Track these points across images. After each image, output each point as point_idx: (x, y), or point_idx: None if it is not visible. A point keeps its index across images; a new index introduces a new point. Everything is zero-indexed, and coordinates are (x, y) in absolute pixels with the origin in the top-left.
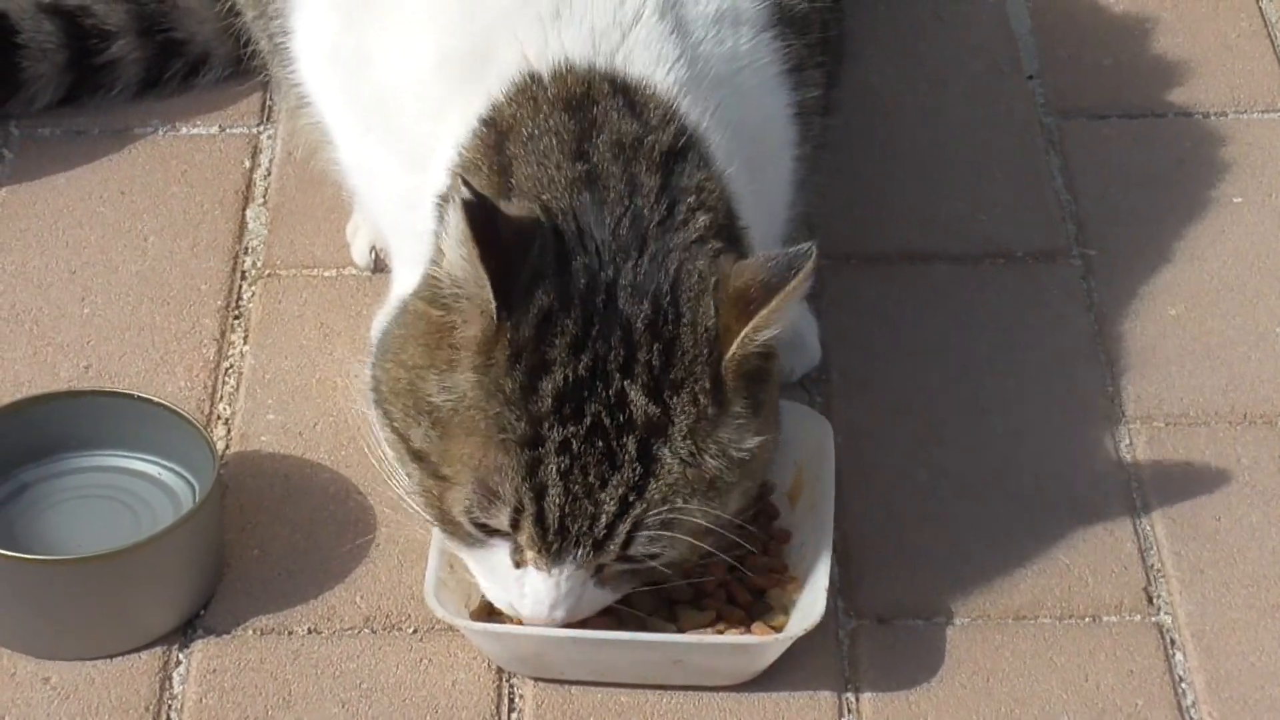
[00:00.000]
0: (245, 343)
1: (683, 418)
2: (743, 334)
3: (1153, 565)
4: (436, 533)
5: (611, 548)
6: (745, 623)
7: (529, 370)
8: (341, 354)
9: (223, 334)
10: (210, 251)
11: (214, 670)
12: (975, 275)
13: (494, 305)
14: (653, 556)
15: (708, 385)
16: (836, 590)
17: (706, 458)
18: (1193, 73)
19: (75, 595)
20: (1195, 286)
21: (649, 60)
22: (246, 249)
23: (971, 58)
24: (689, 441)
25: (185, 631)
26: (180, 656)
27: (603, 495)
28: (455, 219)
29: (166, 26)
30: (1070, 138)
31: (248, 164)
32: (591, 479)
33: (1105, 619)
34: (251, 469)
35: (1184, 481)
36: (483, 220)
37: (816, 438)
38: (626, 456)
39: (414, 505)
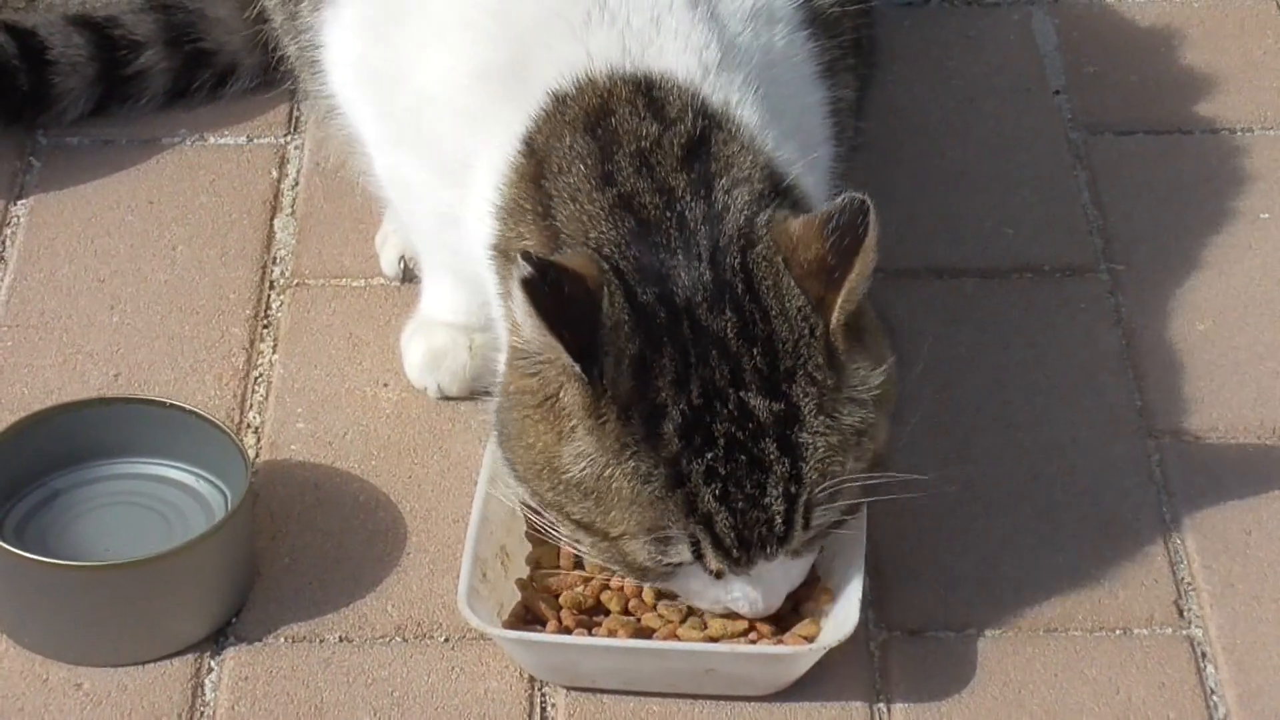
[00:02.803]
0: (274, 352)
1: (807, 399)
2: (839, 302)
3: (1183, 579)
4: (470, 541)
5: (795, 535)
6: (777, 633)
7: (645, 419)
8: (370, 364)
9: (252, 343)
10: (239, 261)
11: (245, 678)
12: (1003, 290)
13: (579, 369)
14: (834, 518)
15: (820, 361)
16: (868, 602)
17: (842, 419)
18: (1219, 89)
19: (107, 602)
20: (1223, 301)
21: (677, 49)
22: (275, 258)
23: (998, 74)
24: (821, 417)
25: (217, 639)
26: (212, 664)
27: (766, 500)
28: (519, 296)
29: (195, 37)
30: (1097, 153)
31: (275, 174)
32: (750, 489)
33: (1136, 632)
34: (281, 477)
35: (1213, 495)
36: (546, 293)
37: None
38: (772, 457)
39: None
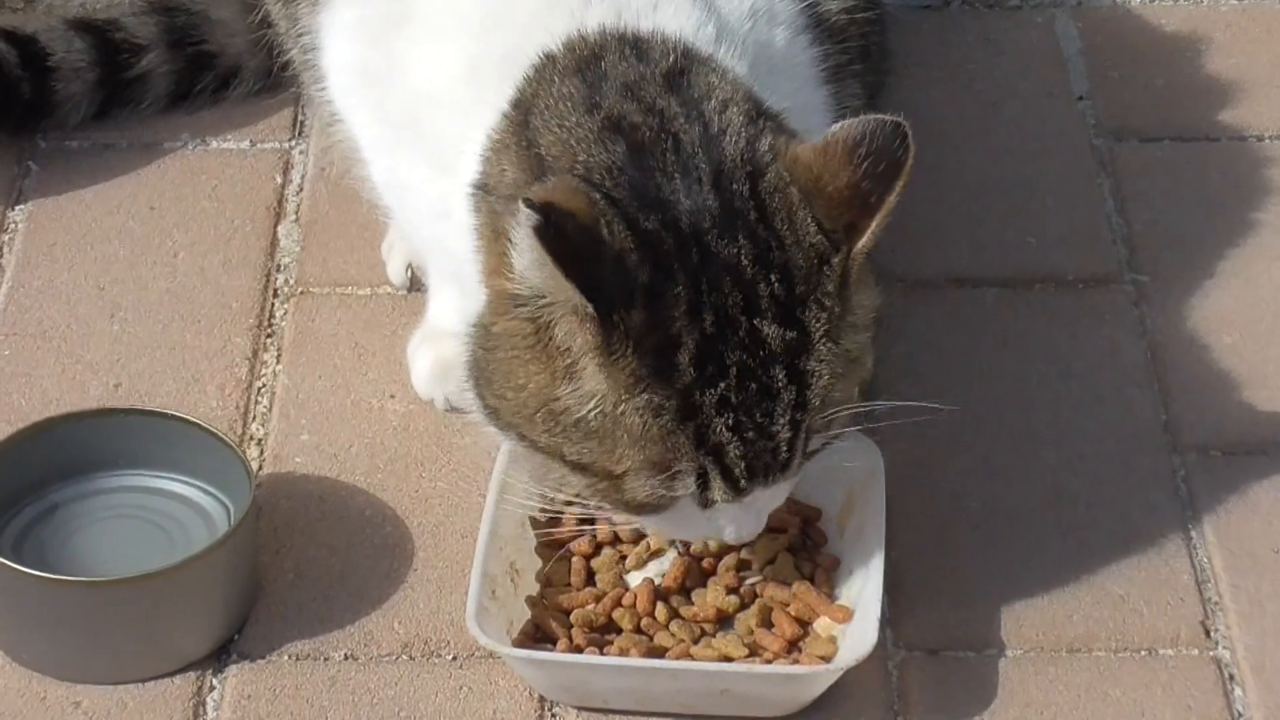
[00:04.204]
0: (278, 362)
1: (818, 325)
2: (873, 226)
3: (1210, 598)
4: (479, 557)
5: (796, 462)
6: (788, 651)
7: (658, 351)
8: (376, 375)
9: (255, 353)
10: (242, 268)
11: (248, 696)
12: (1026, 301)
13: (593, 309)
14: (822, 446)
15: (831, 288)
16: (886, 621)
17: (844, 344)
18: (1247, 95)
19: (107, 618)
20: (1250, 313)
21: (671, 21)
22: (279, 266)
23: (1020, 79)
24: (828, 343)
25: (219, 656)
26: (214, 682)
27: (774, 428)
28: (530, 244)
29: (197, 39)
30: (1122, 160)
31: (279, 179)
32: (759, 418)
33: (1161, 652)
34: (285, 491)
35: (1241, 512)
36: (556, 237)
37: (866, 465)
38: (780, 384)
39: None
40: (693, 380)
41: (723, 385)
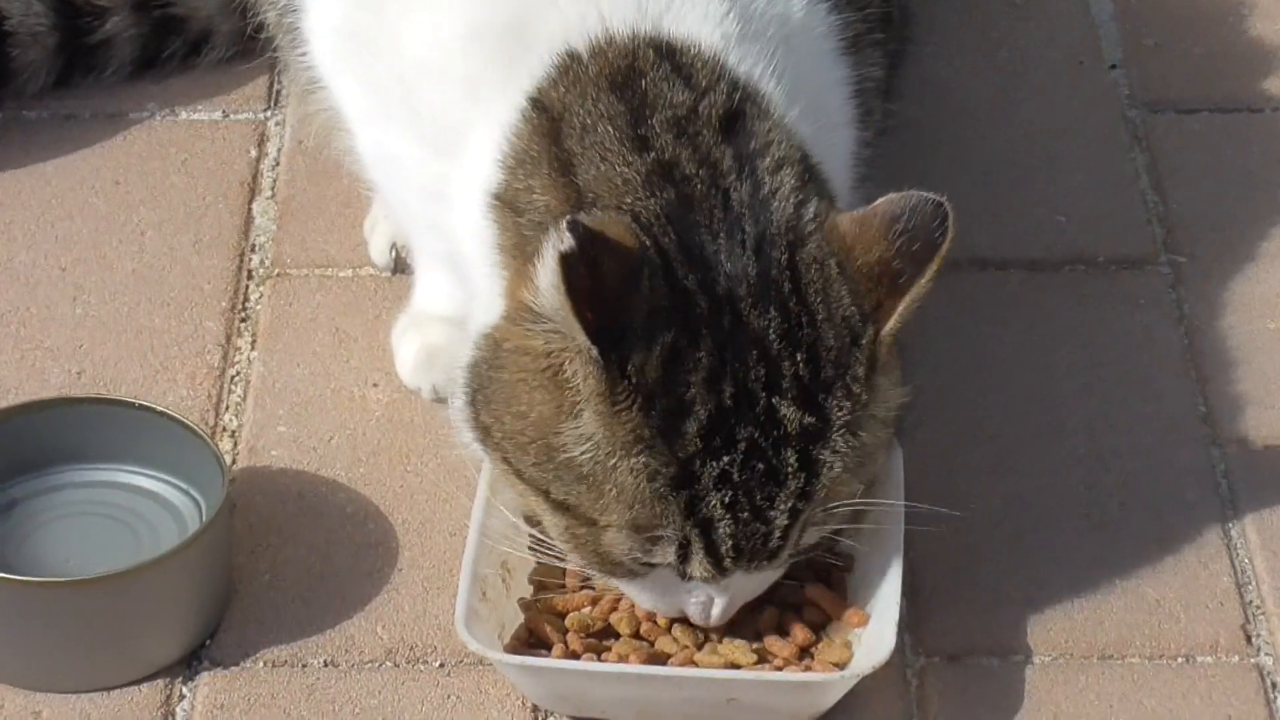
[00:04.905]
0: (253, 348)
1: (840, 413)
2: (900, 310)
3: (1251, 601)
4: (468, 557)
5: (786, 551)
6: (799, 658)
7: (666, 414)
8: (358, 362)
9: (228, 338)
10: (213, 248)
11: (221, 705)
12: (1054, 284)
13: (596, 353)
14: (816, 540)
15: (859, 373)
16: (904, 625)
17: (863, 437)
18: None
19: (70, 621)
20: None
21: (695, 17)
22: (253, 246)
23: (1049, 47)
24: (847, 434)
25: (190, 663)
26: (184, 690)
27: (772, 513)
28: (552, 268)
29: (165, 1)
30: (1157, 133)
31: (254, 153)
32: (759, 501)
33: (1199, 659)
34: (261, 486)
35: None
36: (582, 272)
37: (884, 460)
38: (789, 469)
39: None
40: (696, 451)
41: (726, 460)
